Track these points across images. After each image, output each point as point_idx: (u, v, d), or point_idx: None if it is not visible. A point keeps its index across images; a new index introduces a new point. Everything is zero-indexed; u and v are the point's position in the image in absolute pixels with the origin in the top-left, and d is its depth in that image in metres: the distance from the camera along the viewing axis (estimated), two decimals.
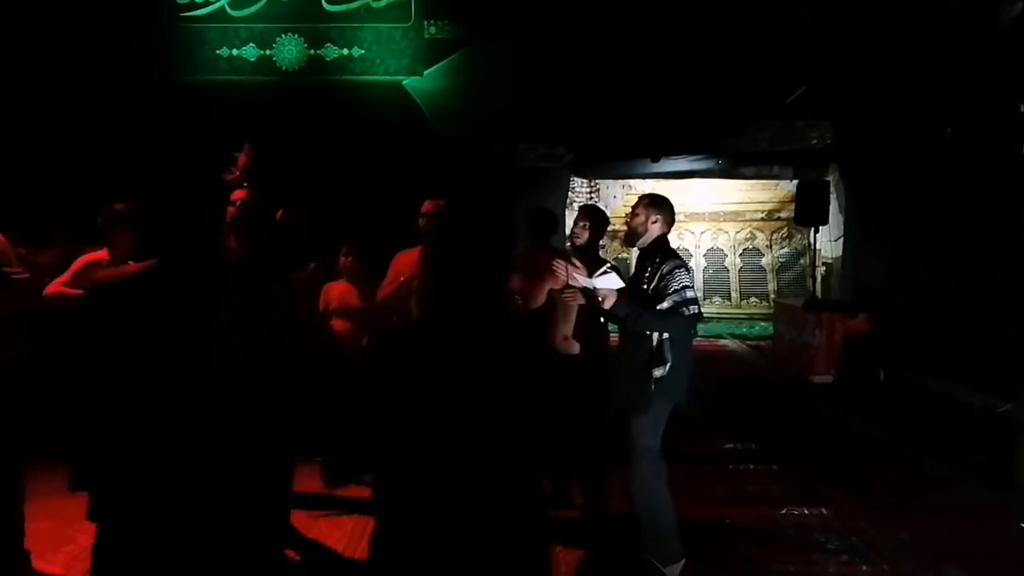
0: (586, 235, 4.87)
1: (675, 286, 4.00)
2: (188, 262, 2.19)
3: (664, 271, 4.05)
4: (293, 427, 2.69)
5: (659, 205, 4.24)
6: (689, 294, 4.02)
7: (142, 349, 2.10)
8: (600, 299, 4.00)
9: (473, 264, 2.04)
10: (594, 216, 4.99)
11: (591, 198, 14.82)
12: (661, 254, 4.15)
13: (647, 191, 9.28)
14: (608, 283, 4.02)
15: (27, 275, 4.07)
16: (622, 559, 4.39)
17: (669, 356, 4.01)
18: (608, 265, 4.41)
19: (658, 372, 4.01)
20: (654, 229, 4.21)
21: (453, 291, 2.04)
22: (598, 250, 5.04)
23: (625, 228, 4.60)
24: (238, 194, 4.26)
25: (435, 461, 1.96)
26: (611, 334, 4.78)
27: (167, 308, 2.14)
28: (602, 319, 4.64)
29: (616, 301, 3.98)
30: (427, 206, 4.67)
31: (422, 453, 1.96)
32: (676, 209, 4.36)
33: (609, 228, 5.97)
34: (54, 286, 4.33)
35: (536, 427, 2.04)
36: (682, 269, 4.08)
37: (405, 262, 4.69)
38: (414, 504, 1.97)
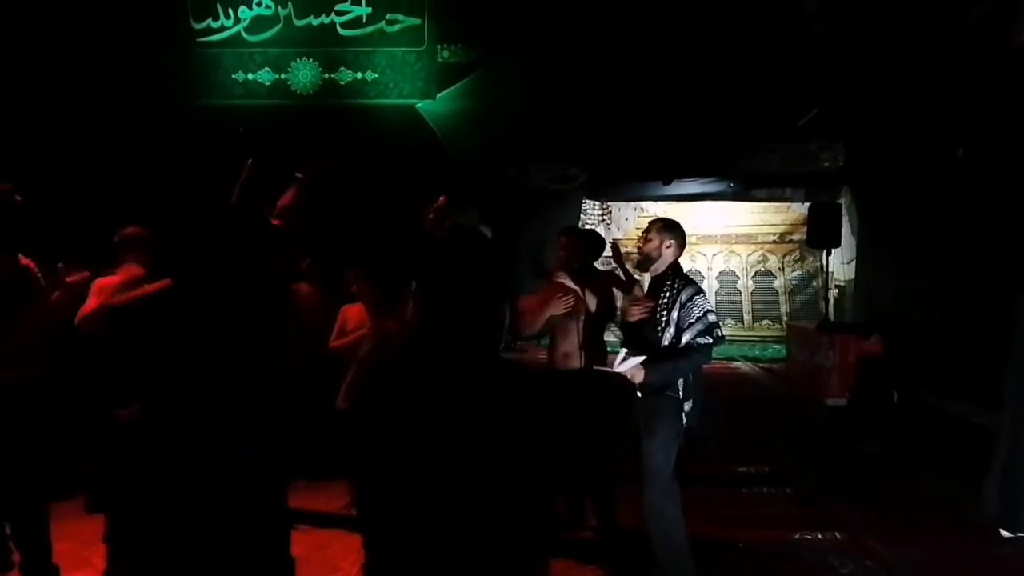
0: (564, 256, 4.85)
1: (697, 313, 4.00)
2: (205, 283, 2.22)
3: (683, 299, 4.03)
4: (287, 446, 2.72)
5: (672, 229, 4.23)
6: (711, 318, 4.02)
7: (166, 367, 2.13)
8: (630, 377, 4.00)
9: (464, 302, 2.02)
10: (575, 236, 5.02)
11: (603, 220, 14.87)
12: (677, 280, 4.12)
13: (659, 213, 9.37)
14: (630, 364, 4.01)
15: (60, 295, 4.11)
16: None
17: (690, 385, 4.04)
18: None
19: (671, 393, 4.02)
20: (668, 254, 4.19)
21: (443, 329, 2.03)
22: (591, 271, 5.01)
23: (636, 251, 4.61)
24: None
25: (422, 496, 1.96)
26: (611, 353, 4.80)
27: (186, 328, 2.16)
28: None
29: (645, 373, 3.98)
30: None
31: (409, 490, 1.96)
32: (688, 231, 4.38)
33: (623, 251, 6.00)
34: (90, 307, 4.33)
35: (529, 460, 2.03)
36: (700, 295, 4.08)
37: (352, 314, 5.28)
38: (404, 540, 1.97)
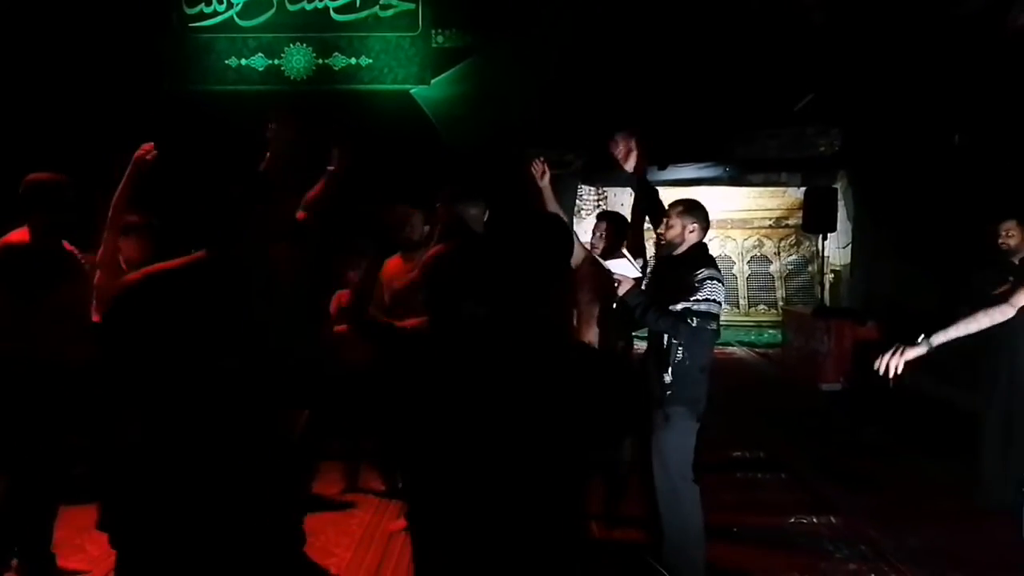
0: (603, 244, 4.79)
1: (699, 296, 3.83)
2: (211, 265, 2.19)
3: (699, 277, 3.87)
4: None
5: (693, 211, 4.06)
6: (711, 308, 3.85)
7: (172, 356, 2.09)
8: (616, 283, 3.92)
9: (525, 275, 2.03)
10: (611, 221, 4.92)
11: (599, 205, 14.82)
12: (699, 263, 3.94)
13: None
14: (622, 268, 3.90)
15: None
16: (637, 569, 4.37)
17: (675, 359, 3.88)
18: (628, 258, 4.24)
19: (667, 378, 3.89)
20: (691, 238, 4.03)
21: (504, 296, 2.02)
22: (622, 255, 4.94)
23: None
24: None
25: (465, 471, 1.94)
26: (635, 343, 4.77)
27: (198, 312, 2.12)
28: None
29: (630, 289, 3.89)
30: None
31: (452, 462, 1.95)
32: None
33: None
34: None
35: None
36: (715, 281, 3.89)
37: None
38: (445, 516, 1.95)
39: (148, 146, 3.99)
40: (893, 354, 3.46)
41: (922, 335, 3.55)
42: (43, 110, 8.96)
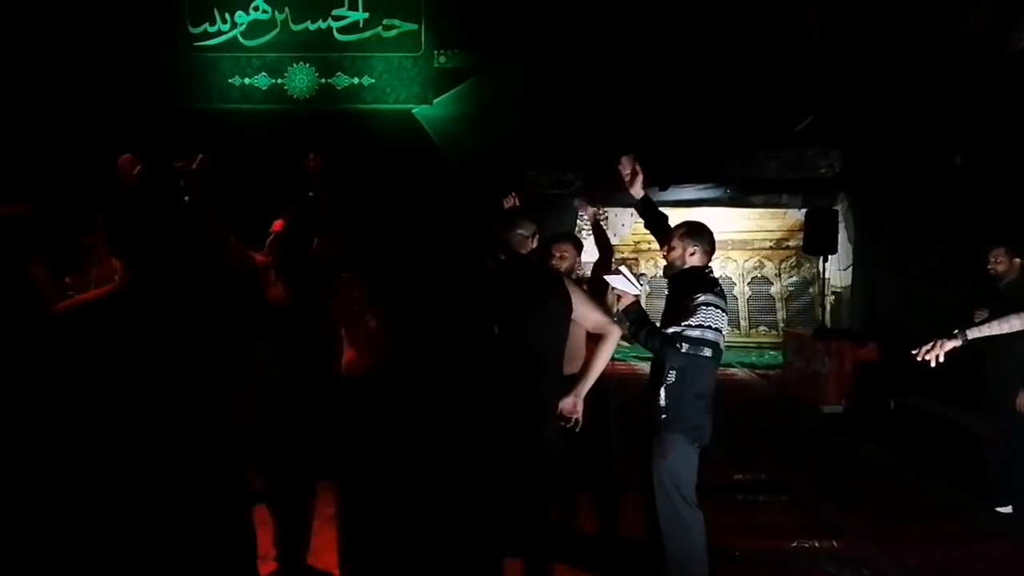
0: (564, 264, 4.60)
1: (692, 320, 3.73)
2: (153, 287, 2.20)
3: (696, 301, 3.77)
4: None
5: (696, 234, 3.99)
6: (704, 335, 3.73)
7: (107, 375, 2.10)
8: (617, 297, 3.87)
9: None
10: (573, 243, 4.78)
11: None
12: (696, 286, 3.84)
13: None
14: (622, 284, 3.81)
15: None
16: None
17: (667, 381, 3.81)
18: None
19: (660, 400, 3.83)
20: (692, 261, 3.95)
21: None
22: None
23: (633, 256, 4.55)
24: (277, 226, 4.26)
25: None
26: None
27: (129, 334, 2.14)
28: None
29: (629, 305, 3.83)
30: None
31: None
32: None
33: (617, 256, 5.95)
34: None
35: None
36: (712, 308, 3.77)
37: None
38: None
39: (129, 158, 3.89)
40: (932, 347, 3.75)
41: (956, 330, 3.84)
42: (47, 126, 9.00)
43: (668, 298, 4.07)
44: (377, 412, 2.88)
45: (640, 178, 4.41)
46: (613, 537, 4.70)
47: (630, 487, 4.44)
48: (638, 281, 3.87)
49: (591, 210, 4.53)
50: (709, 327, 3.74)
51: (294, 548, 4.33)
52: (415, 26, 10.65)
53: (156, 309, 2.17)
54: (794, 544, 5.12)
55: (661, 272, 4.46)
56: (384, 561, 2.68)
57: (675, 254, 4.00)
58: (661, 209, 4.48)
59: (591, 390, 4.01)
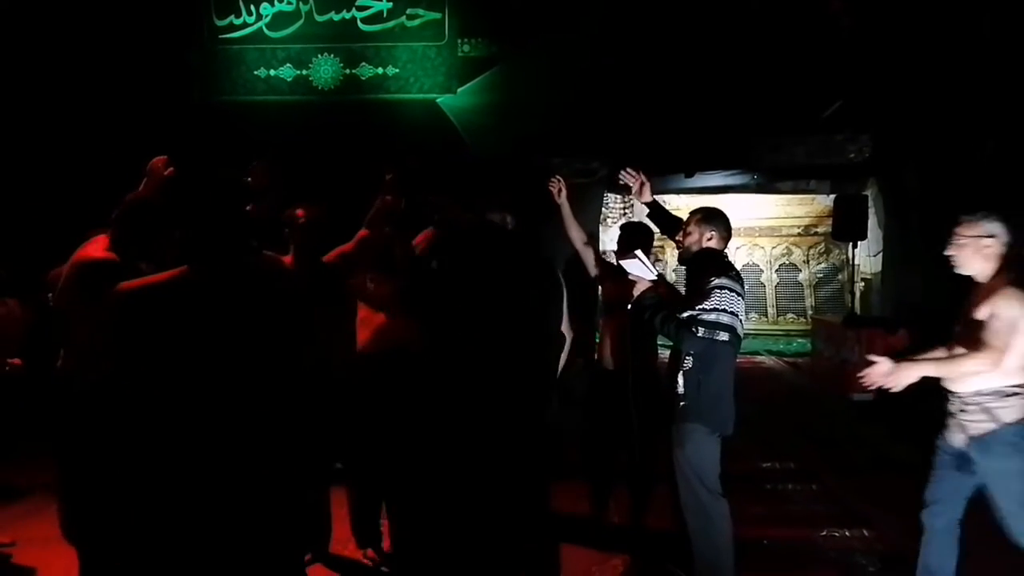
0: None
1: (707, 304, 3.68)
2: (212, 271, 2.21)
3: (710, 284, 3.72)
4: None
5: (712, 219, 3.97)
6: (719, 318, 3.68)
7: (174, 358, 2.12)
8: (634, 280, 3.86)
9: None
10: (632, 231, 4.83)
11: (625, 214, 14.78)
12: (710, 269, 3.79)
13: (681, 207, 9.17)
14: (637, 269, 3.81)
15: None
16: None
17: (684, 367, 3.78)
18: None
19: (679, 387, 3.80)
20: (710, 246, 3.94)
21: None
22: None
23: (659, 245, 4.53)
24: (299, 211, 4.32)
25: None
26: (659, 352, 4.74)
27: (198, 317, 2.15)
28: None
29: (644, 291, 3.82)
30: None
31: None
32: None
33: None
34: None
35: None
36: (726, 291, 3.71)
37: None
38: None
39: (162, 160, 3.91)
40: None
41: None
42: (73, 121, 9.09)
43: (685, 283, 4.06)
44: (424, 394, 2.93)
45: (647, 187, 4.44)
46: (641, 528, 4.68)
47: (664, 478, 4.43)
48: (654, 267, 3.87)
49: (647, 195, 4.49)
50: (724, 310, 3.69)
51: (321, 537, 4.37)
52: (438, 15, 10.63)
53: (224, 293, 2.20)
54: (824, 534, 5.09)
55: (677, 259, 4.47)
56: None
57: (692, 239, 3.99)
58: (687, 197, 4.49)
59: (617, 381, 4.00)
